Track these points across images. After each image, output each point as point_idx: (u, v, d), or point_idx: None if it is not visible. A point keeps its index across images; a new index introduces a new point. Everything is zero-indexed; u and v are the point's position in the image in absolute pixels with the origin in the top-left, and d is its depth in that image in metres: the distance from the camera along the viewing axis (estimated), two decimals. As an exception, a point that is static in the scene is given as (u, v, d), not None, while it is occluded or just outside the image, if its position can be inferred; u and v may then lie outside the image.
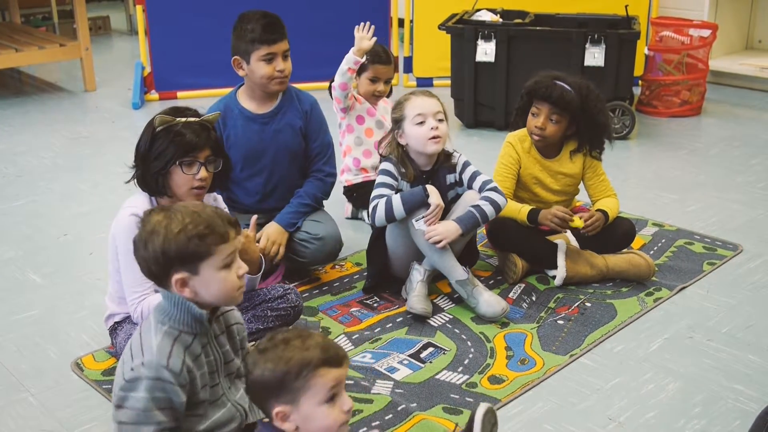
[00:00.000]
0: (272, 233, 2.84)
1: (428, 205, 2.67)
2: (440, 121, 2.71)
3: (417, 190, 2.68)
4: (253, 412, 1.97)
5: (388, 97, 3.62)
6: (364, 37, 3.25)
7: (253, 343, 2.33)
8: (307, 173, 3.00)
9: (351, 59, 3.25)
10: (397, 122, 2.75)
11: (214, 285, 1.79)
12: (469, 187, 2.80)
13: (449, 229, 2.67)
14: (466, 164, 2.81)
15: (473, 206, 2.71)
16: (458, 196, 2.82)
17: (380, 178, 2.77)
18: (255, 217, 2.55)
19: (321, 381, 1.63)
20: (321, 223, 2.92)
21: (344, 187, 3.52)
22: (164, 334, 1.78)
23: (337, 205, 3.48)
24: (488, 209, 2.71)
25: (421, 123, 2.69)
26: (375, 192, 2.75)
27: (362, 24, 3.29)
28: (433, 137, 2.69)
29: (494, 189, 2.75)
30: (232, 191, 2.96)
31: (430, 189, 2.69)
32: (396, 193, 2.72)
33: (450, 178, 2.82)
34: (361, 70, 3.38)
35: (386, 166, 2.78)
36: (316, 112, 2.99)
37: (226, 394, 1.89)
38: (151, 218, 1.78)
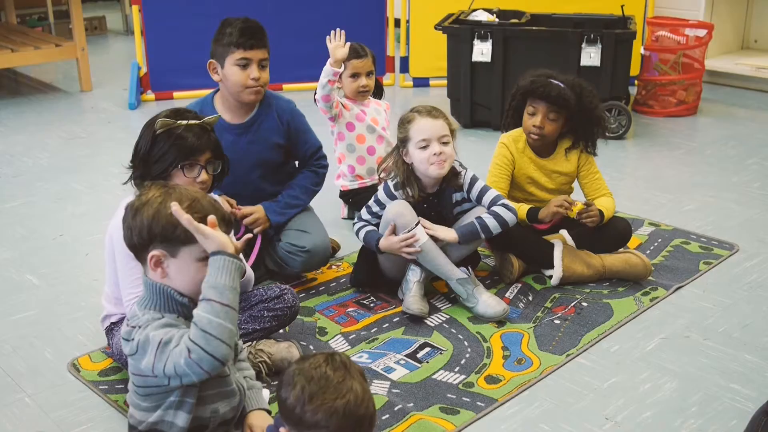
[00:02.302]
0: (257, 211, 2.82)
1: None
2: (445, 144, 2.67)
3: (375, 238, 2.71)
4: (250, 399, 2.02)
5: (380, 96, 3.59)
6: (337, 46, 3.18)
7: (250, 343, 2.34)
8: (285, 183, 2.95)
9: (329, 71, 3.18)
10: (403, 142, 2.73)
11: (187, 273, 1.81)
12: (478, 203, 2.78)
13: (449, 233, 2.69)
14: (473, 180, 2.77)
15: (476, 218, 2.71)
16: (464, 212, 2.81)
17: (371, 203, 2.79)
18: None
19: None
20: (308, 233, 2.85)
21: (340, 191, 3.50)
22: (150, 316, 1.82)
23: (333, 206, 3.48)
24: (491, 222, 2.69)
25: (425, 147, 2.67)
26: (363, 211, 2.82)
27: (333, 33, 3.21)
28: (436, 162, 2.65)
29: (504, 205, 2.72)
30: None
31: (384, 245, 2.69)
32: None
33: (456, 196, 2.81)
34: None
35: (380, 195, 2.77)
36: (297, 118, 2.92)
37: (231, 371, 1.91)
38: (150, 191, 1.83)
